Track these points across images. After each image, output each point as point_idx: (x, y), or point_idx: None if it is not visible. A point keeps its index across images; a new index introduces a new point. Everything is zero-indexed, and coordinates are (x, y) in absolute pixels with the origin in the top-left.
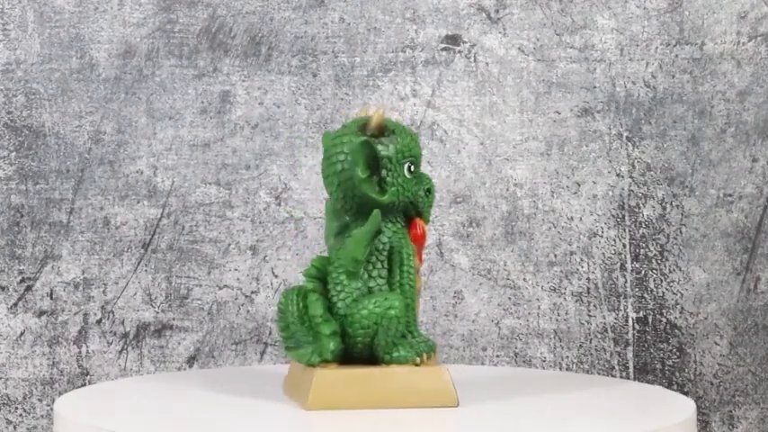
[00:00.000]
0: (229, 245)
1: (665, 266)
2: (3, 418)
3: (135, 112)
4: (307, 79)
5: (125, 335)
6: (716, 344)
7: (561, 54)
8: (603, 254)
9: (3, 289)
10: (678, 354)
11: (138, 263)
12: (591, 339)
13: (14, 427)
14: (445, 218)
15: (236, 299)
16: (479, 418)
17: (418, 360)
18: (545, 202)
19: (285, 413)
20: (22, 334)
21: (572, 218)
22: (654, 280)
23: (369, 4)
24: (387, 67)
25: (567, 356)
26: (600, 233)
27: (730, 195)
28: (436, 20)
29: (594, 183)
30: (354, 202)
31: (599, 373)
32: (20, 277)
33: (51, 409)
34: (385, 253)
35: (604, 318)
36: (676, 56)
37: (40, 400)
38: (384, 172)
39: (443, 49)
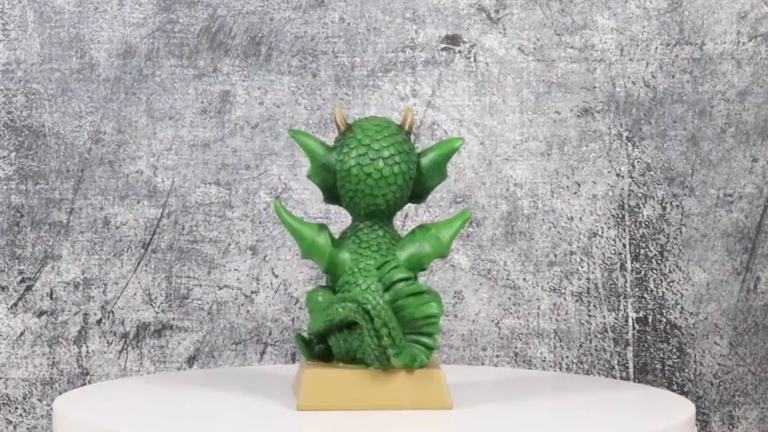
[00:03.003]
0: (229, 245)
1: (665, 266)
2: (3, 418)
3: (135, 112)
4: (307, 79)
5: (125, 335)
6: (716, 344)
7: (561, 54)
8: (603, 254)
9: (3, 289)
10: (678, 354)
11: (138, 263)
12: (591, 339)
13: (14, 427)
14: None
15: (236, 299)
16: (479, 418)
17: None
18: (545, 202)
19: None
20: (22, 334)
21: (572, 218)
22: (654, 280)
23: (369, 4)
24: (387, 67)
25: (567, 356)
26: (600, 233)
27: (730, 195)
28: (436, 20)
29: (594, 183)
30: (402, 203)
31: (599, 374)
32: (20, 277)
33: (51, 409)
34: None
35: (604, 318)
36: (676, 56)
37: (40, 400)
38: None
39: (443, 49)
